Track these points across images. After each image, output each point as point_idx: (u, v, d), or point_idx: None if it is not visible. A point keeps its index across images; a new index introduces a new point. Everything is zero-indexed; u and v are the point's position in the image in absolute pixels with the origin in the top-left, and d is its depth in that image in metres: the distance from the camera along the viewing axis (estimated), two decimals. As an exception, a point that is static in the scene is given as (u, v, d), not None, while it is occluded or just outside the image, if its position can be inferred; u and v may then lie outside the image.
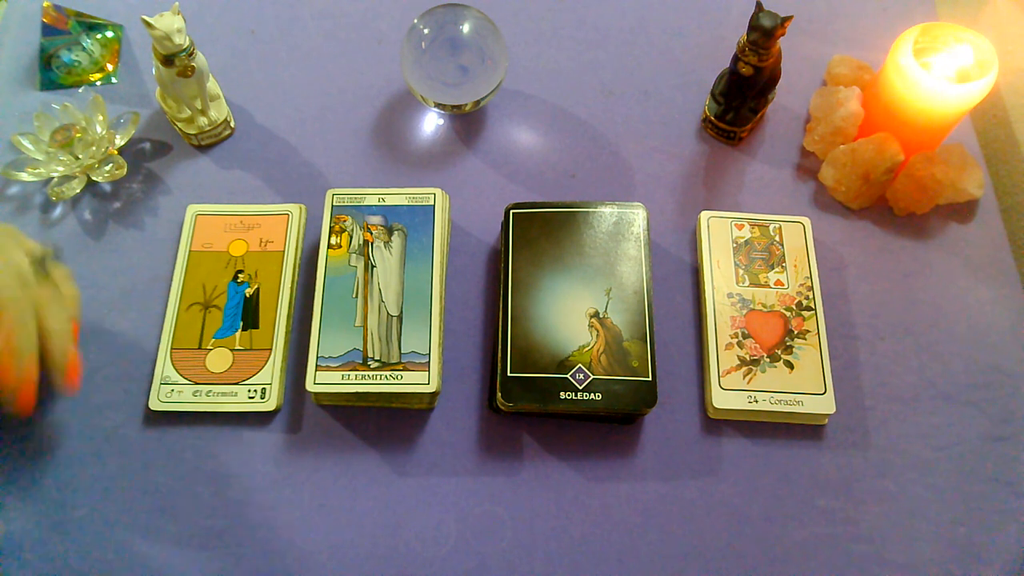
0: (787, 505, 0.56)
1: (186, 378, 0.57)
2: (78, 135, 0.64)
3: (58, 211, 0.66)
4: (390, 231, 0.60)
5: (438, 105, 0.68)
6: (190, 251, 0.62)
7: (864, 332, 0.62)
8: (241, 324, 0.59)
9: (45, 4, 0.72)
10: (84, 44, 0.72)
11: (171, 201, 0.66)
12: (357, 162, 0.69)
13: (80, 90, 0.71)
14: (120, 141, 0.66)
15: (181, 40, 0.60)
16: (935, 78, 0.60)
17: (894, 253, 0.65)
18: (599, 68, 0.74)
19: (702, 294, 0.62)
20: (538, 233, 0.60)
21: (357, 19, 0.76)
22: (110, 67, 0.72)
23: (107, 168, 0.65)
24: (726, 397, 0.57)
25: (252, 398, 0.57)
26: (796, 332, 0.59)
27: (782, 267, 0.62)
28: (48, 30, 0.72)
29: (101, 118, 0.66)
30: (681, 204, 0.67)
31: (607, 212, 0.61)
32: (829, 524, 0.56)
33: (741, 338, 0.59)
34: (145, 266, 0.64)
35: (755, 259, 0.62)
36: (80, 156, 0.64)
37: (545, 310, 0.57)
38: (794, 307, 0.60)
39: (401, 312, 0.57)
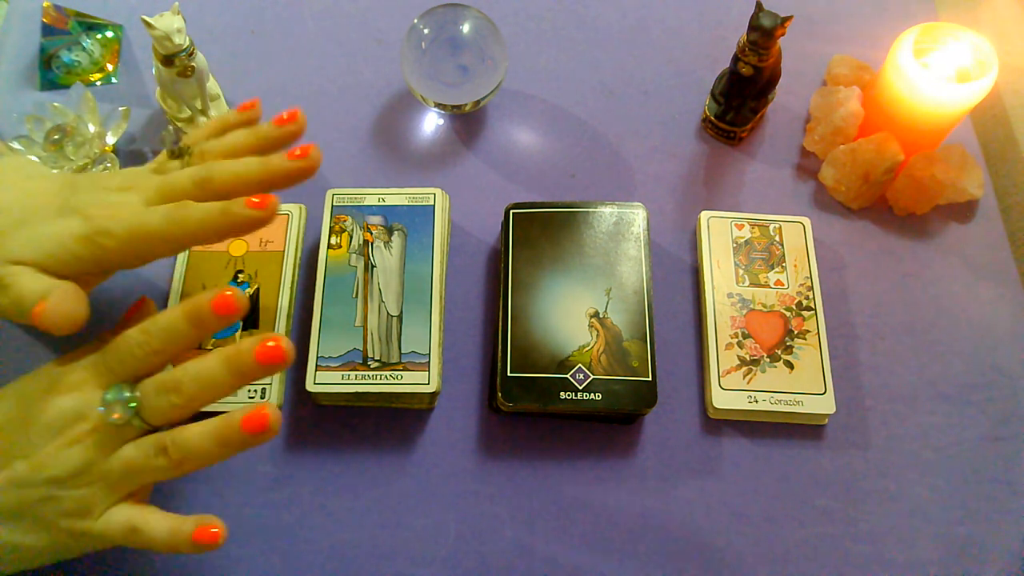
0: (787, 505, 0.56)
1: (186, 378, 0.57)
2: (69, 135, 0.64)
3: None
4: (390, 231, 0.60)
5: (438, 105, 0.68)
6: (190, 251, 0.62)
7: (864, 332, 0.62)
8: (241, 324, 0.59)
9: (45, 4, 0.72)
10: (84, 44, 0.72)
11: (171, 201, 0.66)
12: (357, 162, 0.68)
13: (71, 87, 0.71)
14: (112, 139, 0.65)
15: (181, 40, 0.60)
16: (935, 78, 0.60)
17: (894, 253, 0.65)
18: (599, 68, 0.74)
19: (702, 294, 0.62)
20: (538, 233, 0.60)
21: (357, 19, 0.76)
22: (110, 67, 0.72)
23: (100, 167, 0.64)
24: (726, 397, 0.57)
25: (252, 398, 0.57)
26: (796, 332, 0.59)
27: (782, 267, 0.62)
28: (48, 30, 0.72)
29: (92, 116, 0.66)
30: (681, 204, 0.67)
31: (607, 212, 0.61)
32: (829, 524, 0.56)
33: (741, 338, 0.59)
34: (145, 267, 0.63)
35: (755, 259, 0.62)
36: (72, 156, 0.64)
37: (545, 310, 0.57)
38: (794, 307, 0.60)
39: (401, 312, 0.57)
